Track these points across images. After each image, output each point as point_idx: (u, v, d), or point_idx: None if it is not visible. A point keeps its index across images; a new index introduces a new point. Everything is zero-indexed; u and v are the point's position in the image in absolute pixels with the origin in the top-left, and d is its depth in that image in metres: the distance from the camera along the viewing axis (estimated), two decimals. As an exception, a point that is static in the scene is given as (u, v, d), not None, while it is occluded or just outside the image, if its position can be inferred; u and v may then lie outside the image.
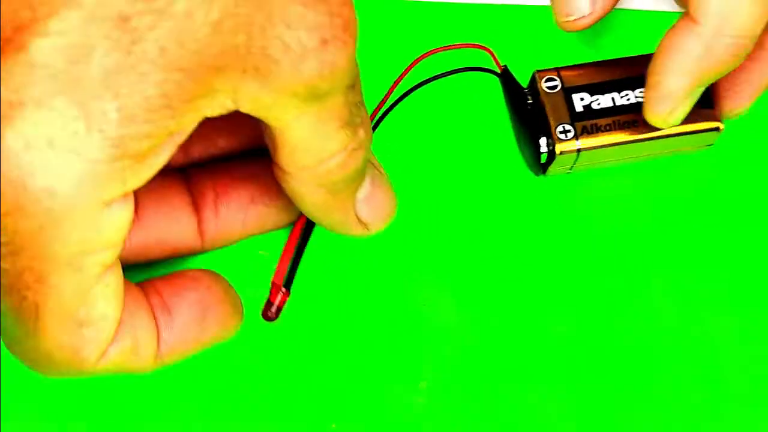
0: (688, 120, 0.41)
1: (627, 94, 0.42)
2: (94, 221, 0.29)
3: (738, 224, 0.44)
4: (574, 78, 0.42)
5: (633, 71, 0.42)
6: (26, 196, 0.28)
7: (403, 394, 0.41)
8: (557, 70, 0.42)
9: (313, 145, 0.32)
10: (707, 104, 0.42)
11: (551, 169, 0.42)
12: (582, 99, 0.42)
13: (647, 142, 0.42)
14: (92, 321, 0.31)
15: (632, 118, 0.42)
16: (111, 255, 0.30)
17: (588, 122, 0.42)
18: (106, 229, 0.30)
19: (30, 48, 0.28)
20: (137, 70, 0.28)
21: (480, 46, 0.44)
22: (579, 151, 0.41)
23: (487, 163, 0.44)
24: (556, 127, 0.41)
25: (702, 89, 0.39)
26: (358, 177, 0.35)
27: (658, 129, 0.41)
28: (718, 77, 0.38)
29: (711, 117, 0.42)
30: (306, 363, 0.41)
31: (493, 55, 0.43)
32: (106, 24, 0.28)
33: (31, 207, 0.28)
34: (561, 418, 0.41)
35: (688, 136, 0.42)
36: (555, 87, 0.42)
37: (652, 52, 0.42)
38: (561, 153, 0.41)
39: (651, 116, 0.40)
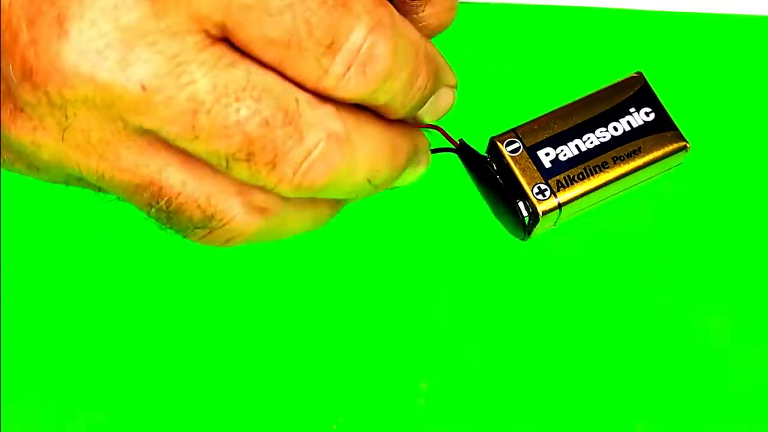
0: (655, 146, 0.41)
1: (589, 137, 0.41)
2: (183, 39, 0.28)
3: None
4: (532, 135, 0.42)
5: (587, 113, 0.42)
6: (131, 93, 0.28)
7: (404, 395, 0.41)
8: (513, 131, 0.42)
9: None
10: (670, 127, 0.42)
11: (536, 229, 0.41)
12: (548, 154, 0.41)
13: (622, 179, 0.41)
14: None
15: (602, 160, 0.41)
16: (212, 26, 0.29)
17: (560, 176, 0.41)
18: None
19: None
20: None
21: (429, 126, 0.43)
22: (560, 206, 0.41)
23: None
24: (531, 189, 0.41)
25: None
26: None
27: (630, 165, 0.41)
28: None
29: (676, 138, 0.42)
30: (308, 363, 0.42)
31: (444, 133, 0.42)
32: None
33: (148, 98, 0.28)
34: (560, 419, 0.41)
35: (659, 162, 0.42)
36: (518, 149, 0.41)
37: (598, 89, 0.42)
38: (544, 213, 0.41)
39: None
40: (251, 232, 0.31)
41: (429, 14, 0.37)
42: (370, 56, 0.29)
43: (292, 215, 0.32)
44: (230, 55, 0.28)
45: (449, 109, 0.35)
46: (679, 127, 0.42)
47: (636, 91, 0.42)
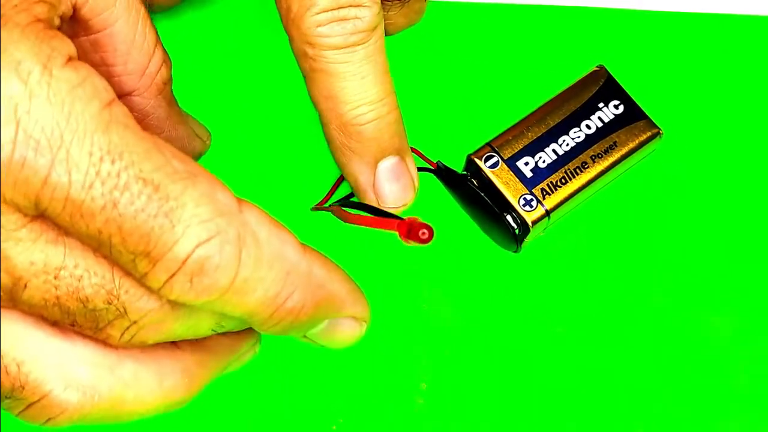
0: (630, 138, 0.42)
1: (564, 140, 0.42)
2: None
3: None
4: (509, 147, 0.41)
5: (558, 115, 0.42)
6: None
7: (404, 395, 0.42)
8: (489, 145, 0.42)
9: (137, 41, 0.33)
10: (640, 116, 0.42)
11: (527, 239, 0.41)
12: (527, 163, 0.41)
13: (604, 175, 0.41)
14: None
15: (581, 160, 0.41)
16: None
17: (543, 183, 0.41)
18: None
19: None
20: None
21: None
22: (548, 213, 0.41)
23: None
24: (518, 201, 0.41)
25: None
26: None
27: (609, 160, 0.41)
28: None
29: (648, 126, 0.42)
30: (307, 364, 0.42)
31: (420, 154, 0.42)
32: None
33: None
34: (559, 419, 0.42)
35: (636, 153, 0.42)
36: (497, 163, 0.41)
37: (567, 86, 0.42)
38: (533, 223, 0.41)
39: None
40: (75, 409, 0.29)
41: (399, 14, 0.37)
42: (199, 269, 0.28)
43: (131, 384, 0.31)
44: (51, 233, 0.28)
45: (351, 342, 0.33)
46: (649, 115, 0.42)
47: (601, 86, 0.42)
